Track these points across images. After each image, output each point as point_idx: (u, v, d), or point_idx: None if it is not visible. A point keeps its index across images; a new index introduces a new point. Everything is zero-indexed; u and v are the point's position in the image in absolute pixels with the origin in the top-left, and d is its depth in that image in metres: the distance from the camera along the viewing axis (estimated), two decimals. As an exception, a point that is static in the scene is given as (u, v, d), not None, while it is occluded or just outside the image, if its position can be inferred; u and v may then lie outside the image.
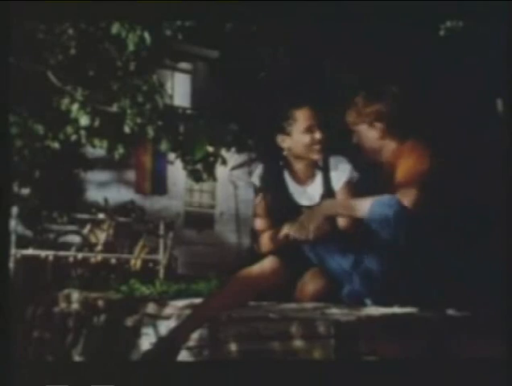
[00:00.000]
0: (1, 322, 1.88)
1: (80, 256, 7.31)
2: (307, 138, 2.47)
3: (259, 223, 2.60)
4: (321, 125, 2.47)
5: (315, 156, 2.49)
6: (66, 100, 6.58)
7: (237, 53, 9.70)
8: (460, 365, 1.83)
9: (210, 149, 7.76)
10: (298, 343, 1.86)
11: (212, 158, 7.71)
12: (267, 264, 2.39)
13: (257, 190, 2.61)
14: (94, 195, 10.64)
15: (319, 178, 2.56)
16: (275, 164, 2.58)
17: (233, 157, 10.16)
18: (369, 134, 2.49)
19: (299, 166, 2.56)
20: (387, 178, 2.38)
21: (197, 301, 2.44)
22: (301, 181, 2.57)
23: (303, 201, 2.54)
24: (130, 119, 6.74)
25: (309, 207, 2.49)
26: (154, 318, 2.41)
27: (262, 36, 8.57)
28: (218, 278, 3.60)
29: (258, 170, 2.63)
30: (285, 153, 2.53)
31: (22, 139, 6.75)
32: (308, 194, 2.55)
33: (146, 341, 2.38)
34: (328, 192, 2.52)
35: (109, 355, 2.56)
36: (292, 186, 2.56)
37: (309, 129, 2.47)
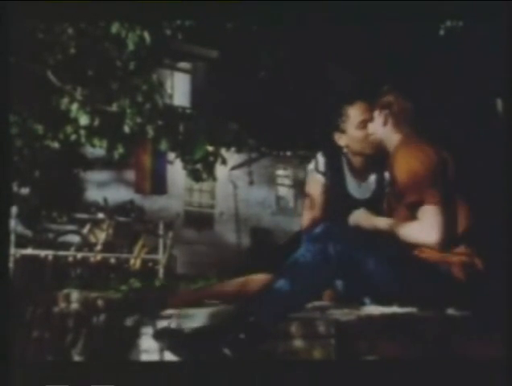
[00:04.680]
0: (1, 322, 1.88)
1: (79, 255, 7.29)
2: (360, 134, 2.49)
3: (310, 215, 2.60)
4: (372, 119, 2.47)
5: (369, 151, 2.51)
6: (66, 100, 6.57)
7: (237, 53, 9.70)
8: (460, 365, 1.82)
9: (210, 148, 7.75)
10: (298, 343, 1.86)
11: (211, 158, 7.71)
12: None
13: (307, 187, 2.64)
14: (94, 194, 10.64)
15: (373, 176, 2.61)
16: (336, 159, 2.62)
17: (232, 157, 10.16)
18: (378, 120, 2.44)
19: (356, 162, 2.60)
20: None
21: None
22: (358, 175, 2.61)
23: (356, 194, 2.57)
24: (129, 118, 6.73)
25: (361, 201, 2.52)
26: (154, 318, 2.40)
27: (262, 36, 8.57)
28: (217, 278, 3.59)
29: (320, 157, 2.65)
30: (345, 150, 2.57)
31: (21, 139, 6.75)
32: (362, 188, 2.59)
33: (146, 341, 2.38)
34: (380, 190, 2.56)
35: (108, 355, 2.55)
36: (349, 180, 2.61)
37: (362, 124, 2.48)
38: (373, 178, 2.62)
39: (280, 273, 2.01)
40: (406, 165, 2.20)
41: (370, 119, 2.45)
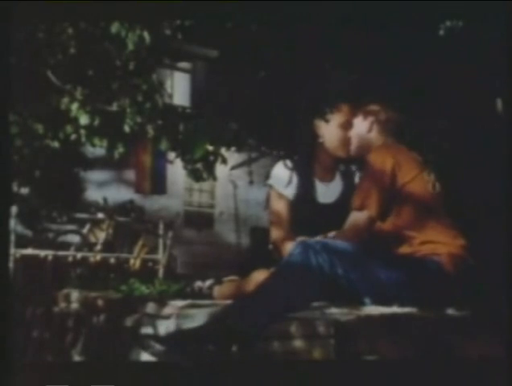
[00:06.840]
0: (1, 322, 1.88)
1: (79, 255, 7.29)
2: (340, 133, 2.48)
3: (280, 224, 2.55)
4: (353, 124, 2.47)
5: (341, 153, 2.50)
6: (66, 100, 6.57)
7: (237, 53, 9.69)
8: (460, 365, 1.82)
9: (210, 148, 7.74)
10: (298, 343, 1.86)
11: (212, 157, 7.70)
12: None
13: (272, 192, 2.58)
14: (94, 194, 10.63)
15: (338, 176, 2.57)
16: (306, 157, 2.58)
17: (232, 156, 10.15)
18: (362, 126, 2.44)
19: (324, 162, 2.56)
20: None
21: (197, 300, 2.44)
22: (323, 178, 2.57)
23: (322, 199, 2.54)
24: (129, 118, 6.73)
25: (328, 206, 2.49)
26: (154, 318, 2.41)
27: (263, 36, 8.57)
28: (217, 278, 3.58)
29: (277, 169, 2.61)
30: (320, 140, 2.52)
31: (21, 138, 6.74)
32: (330, 191, 2.56)
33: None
34: (348, 190, 2.53)
35: (108, 355, 2.55)
36: (317, 183, 2.57)
37: (345, 125, 2.48)
38: (338, 178, 2.59)
39: (265, 280, 2.03)
40: (366, 171, 2.23)
41: (352, 123, 2.47)
